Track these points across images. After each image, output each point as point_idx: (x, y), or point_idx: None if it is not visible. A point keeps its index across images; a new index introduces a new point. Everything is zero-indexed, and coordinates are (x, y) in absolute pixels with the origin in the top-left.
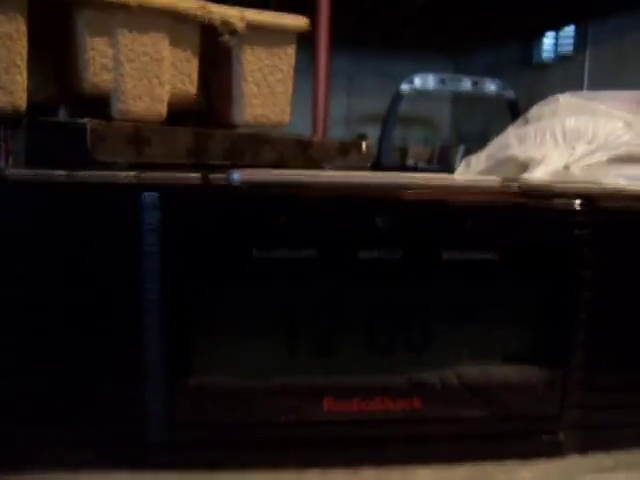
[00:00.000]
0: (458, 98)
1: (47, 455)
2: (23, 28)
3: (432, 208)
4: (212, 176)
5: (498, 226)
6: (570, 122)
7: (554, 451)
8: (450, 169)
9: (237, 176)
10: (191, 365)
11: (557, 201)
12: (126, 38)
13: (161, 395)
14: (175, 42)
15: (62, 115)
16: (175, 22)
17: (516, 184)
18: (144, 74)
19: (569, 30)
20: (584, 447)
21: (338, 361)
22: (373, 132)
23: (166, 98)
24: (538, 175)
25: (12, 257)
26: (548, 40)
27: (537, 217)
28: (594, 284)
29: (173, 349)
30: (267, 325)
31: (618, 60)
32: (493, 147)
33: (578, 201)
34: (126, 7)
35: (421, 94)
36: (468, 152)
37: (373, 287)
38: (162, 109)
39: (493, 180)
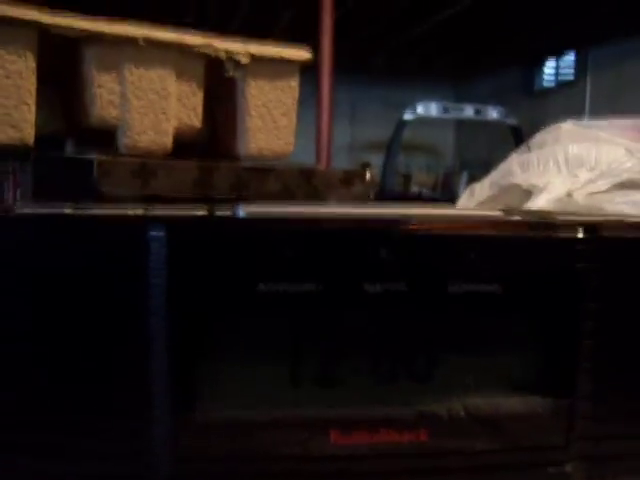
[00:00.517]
0: (461, 125)
1: None
2: (33, 65)
3: (436, 240)
4: (218, 212)
5: (502, 257)
6: (573, 149)
7: None
8: (454, 196)
9: (242, 211)
10: (196, 398)
11: (560, 232)
12: (133, 75)
13: (165, 429)
14: (181, 76)
15: (69, 148)
16: (181, 57)
17: (519, 216)
18: (151, 110)
19: (569, 57)
20: (591, 478)
21: (345, 394)
22: (377, 159)
23: (172, 132)
24: (541, 202)
25: (19, 291)
26: (549, 67)
27: (541, 248)
28: (598, 314)
29: (178, 382)
30: (273, 358)
31: (618, 85)
32: (496, 174)
33: (581, 231)
34: (134, 43)
35: (424, 122)
36: (471, 178)
37: (379, 319)
38: (168, 143)
39: (496, 212)
